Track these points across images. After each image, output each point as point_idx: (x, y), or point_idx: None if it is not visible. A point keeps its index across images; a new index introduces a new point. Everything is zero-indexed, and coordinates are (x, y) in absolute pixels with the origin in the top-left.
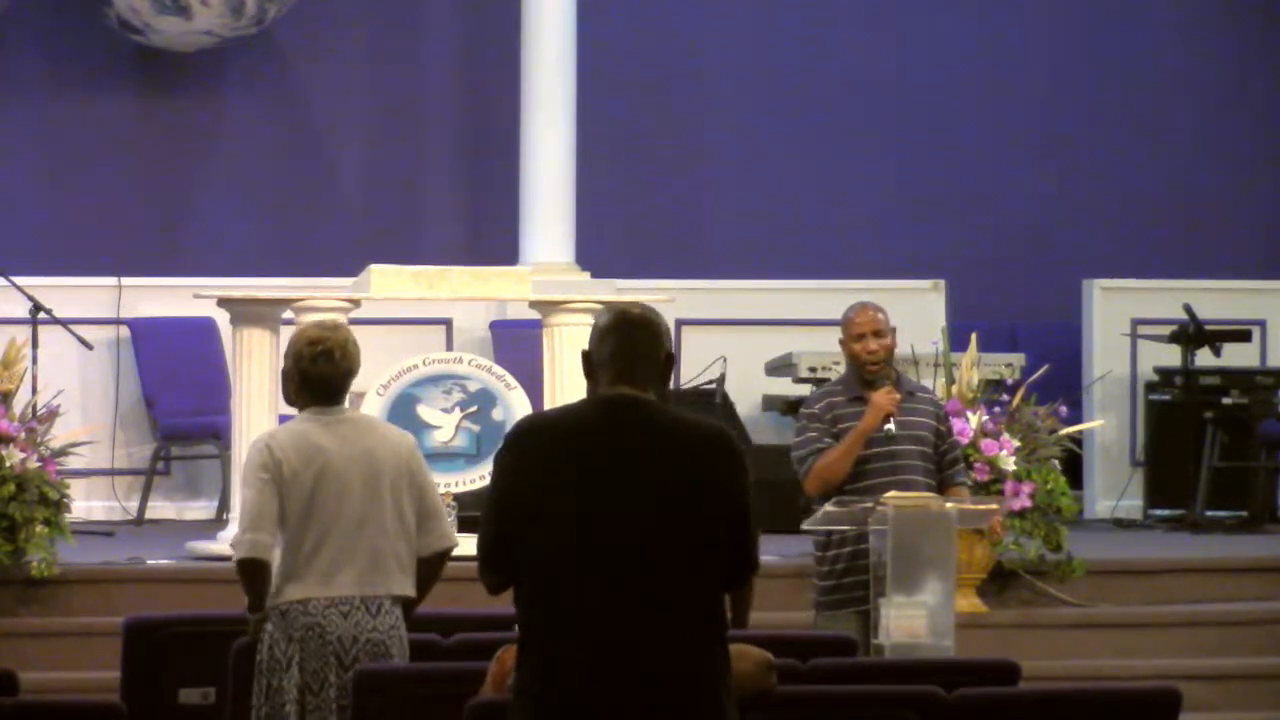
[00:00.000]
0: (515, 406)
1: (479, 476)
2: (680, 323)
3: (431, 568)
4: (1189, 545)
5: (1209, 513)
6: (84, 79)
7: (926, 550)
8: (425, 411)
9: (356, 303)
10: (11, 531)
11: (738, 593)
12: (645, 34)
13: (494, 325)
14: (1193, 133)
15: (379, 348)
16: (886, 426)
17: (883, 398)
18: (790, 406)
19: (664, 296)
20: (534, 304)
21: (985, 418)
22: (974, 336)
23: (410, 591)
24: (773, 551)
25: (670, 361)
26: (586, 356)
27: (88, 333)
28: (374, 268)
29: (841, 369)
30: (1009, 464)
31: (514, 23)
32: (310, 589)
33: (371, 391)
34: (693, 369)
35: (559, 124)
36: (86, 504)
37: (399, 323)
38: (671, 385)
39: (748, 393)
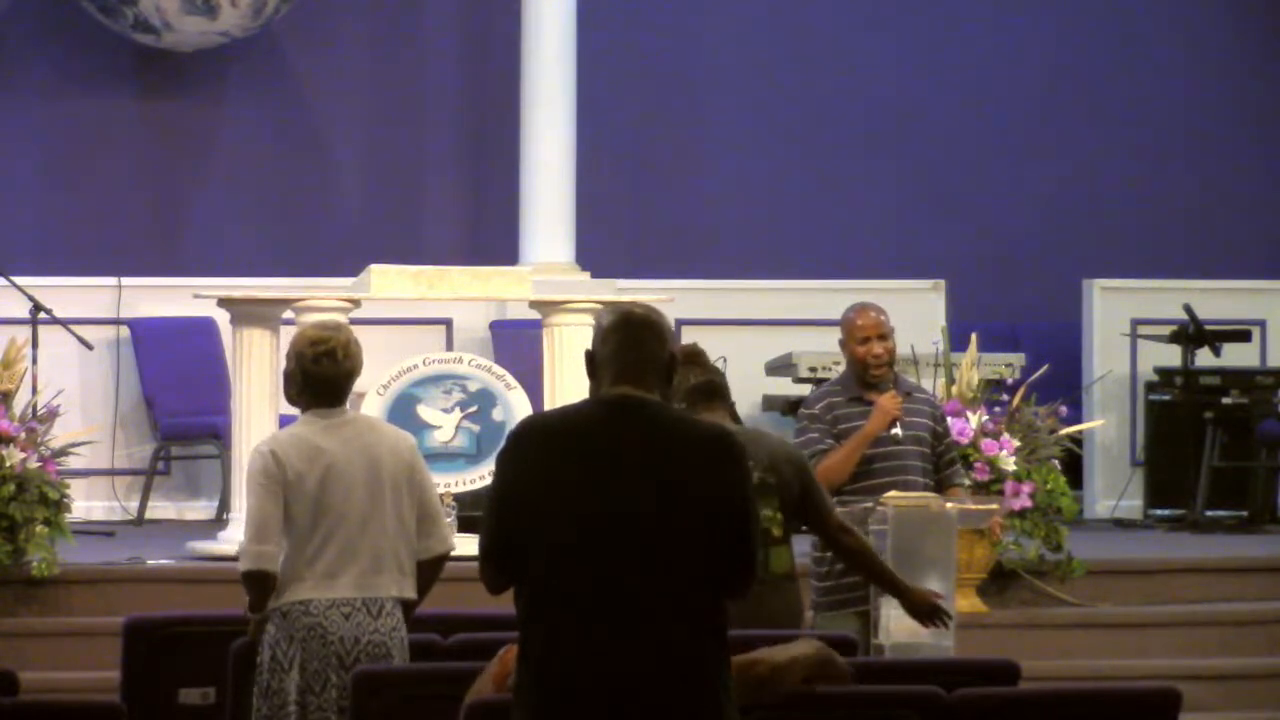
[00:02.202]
0: (515, 406)
1: (479, 476)
2: (680, 323)
3: (430, 571)
4: (1189, 545)
5: (1209, 513)
6: (84, 79)
7: (926, 550)
8: (425, 411)
9: (356, 303)
10: (11, 531)
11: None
12: (645, 34)
13: (494, 325)
14: (1192, 133)
15: (379, 348)
16: (893, 431)
17: (889, 402)
18: (790, 406)
19: (664, 296)
20: (534, 304)
21: (985, 418)
22: (974, 336)
23: (411, 593)
24: None
25: (674, 362)
26: (590, 356)
27: (88, 333)
28: (374, 268)
29: (842, 368)
30: (1009, 464)
31: (514, 23)
32: (311, 590)
33: (371, 391)
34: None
35: (559, 124)
36: (86, 504)
37: (399, 323)
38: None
39: (748, 393)
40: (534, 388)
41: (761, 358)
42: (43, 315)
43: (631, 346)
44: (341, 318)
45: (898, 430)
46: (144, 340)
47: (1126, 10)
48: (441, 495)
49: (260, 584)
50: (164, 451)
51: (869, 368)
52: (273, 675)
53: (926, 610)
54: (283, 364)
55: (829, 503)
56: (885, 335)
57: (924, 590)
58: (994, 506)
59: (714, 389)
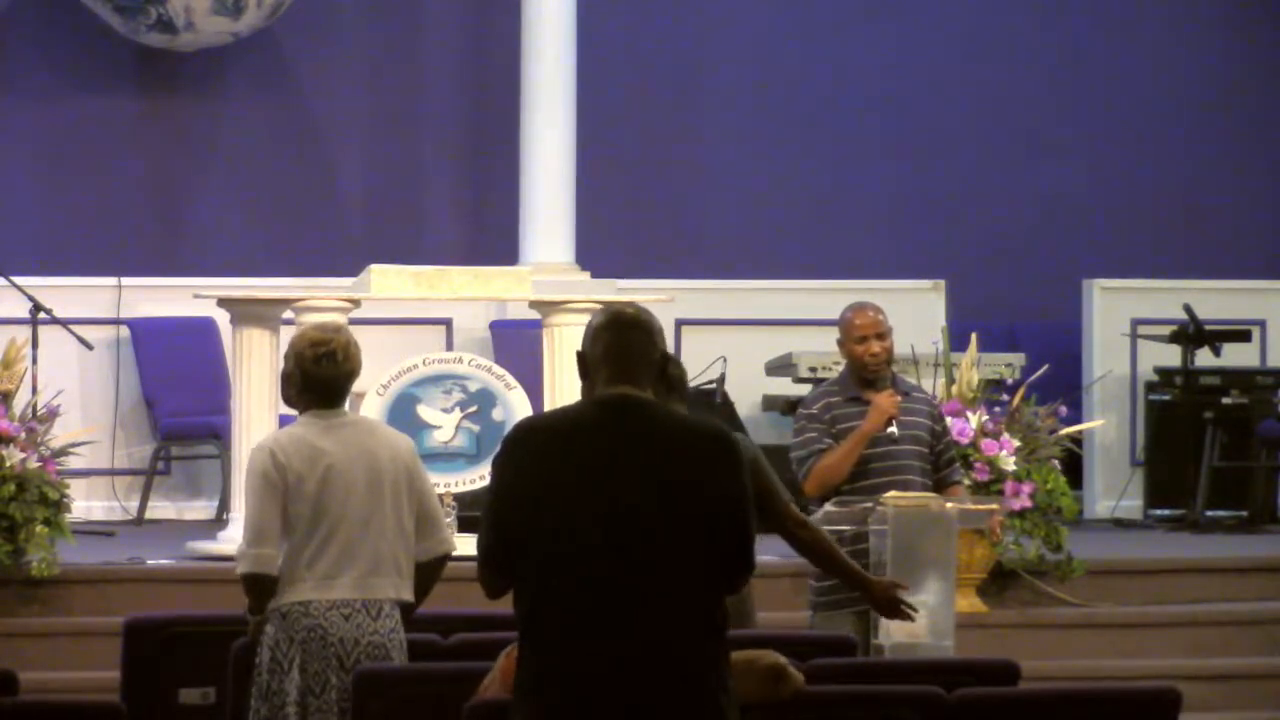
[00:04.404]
0: (515, 406)
1: (479, 476)
2: (680, 323)
3: (430, 573)
4: (1189, 545)
5: (1209, 513)
6: (84, 79)
7: (926, 550)
8: (425, 411)
9: (356, 303)
10: (11, 531)
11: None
12: (645, 34)
13: (494, 325)
14: (1192, 133)
15: (379, 348)
16: (890, 429)
17: (886, 400)
18: (790, 406)
19: (664, 296)
20: (534, 304)
21: (985, 418)
22: (974, 336)
23: (408, 596)
24: (772, 552)
25: (666, 361)
26: (581, 357)
27: (88, 333)
28: (374, 268)
29: (842, 368)
30: (1009, 464)
31: (514, 23)
32: (311, 591)
33: (371, 391)
34: (693, 369)
35: (559, 124)
36: (86, 504)
37: (399, 323)
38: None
39: (748, 393)
40: (534, 388)
41: (761, 358)
42: (43, 315)
43: (624, 346)
44: (341, 318)
45: (894, 429)
46: (144, 340)
47: (1126, 10)
48: (441, 495)
49: (259, 587)
50: (164, 451)
51: (867, 366)
52: (272, 676)
53: (888, 603)
54: (283, 364)
55: (784, 497)
56: (883, 334)
57: (886, 582)
58: (994, 506)
59: (672, 382)
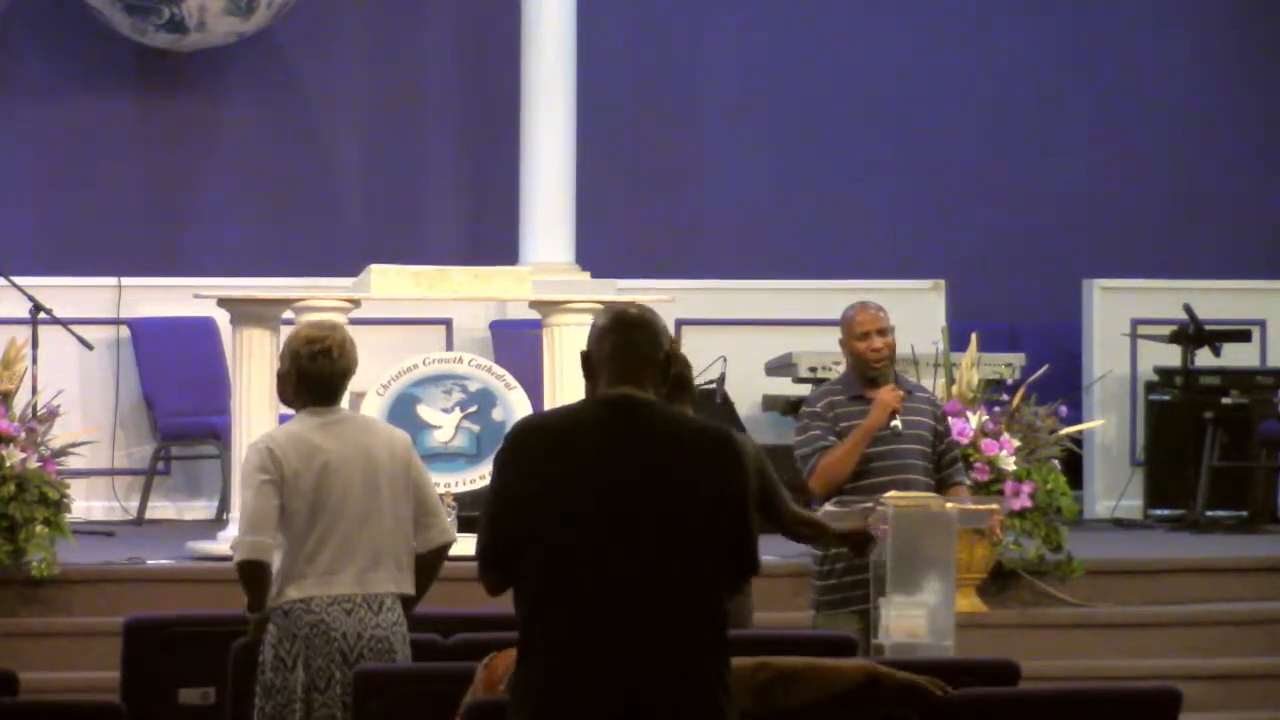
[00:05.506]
0: (515, 406)
1: (479, 476)
2: (680, 323)
3: (431, 563)
4: (1189, 545)
5: (1209, 513)
6: (84, 79)
7: (926, 550)
8: (425, 411)
9: (356, 303)
10: (11, 531)
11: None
12: (645, 34)
13: (494, 325)
14: (1192, 133)
15: (379, 348)
16: (893, 424)
17: (888, 395)
18: (790, 406)
19: (664, 296)
20: (534, 304)
21: (985, 418)
22: (974, 336)
23: (409, 589)
24: (773, 551)
25: (670, 362)
26: (586, 357)
27: (88, 333)
28: (374, 268)
29: (842, 369)
30: (1009, 464)
31: (514, 23)
32: (311, 588)
33: (371, 391)
34: (693, 369)
35: (559, 124)
36: (86, 504)
37: (399, 323)
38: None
39: (748, 393)
40: (534, 388)
41: (761, 358)
42: (43, 315)
43: (628, 347)
44: (341, 318)
45: (898, 423)
46: (144, 340)
47: (1126, 11)
48: (441, 495)
49: (255, 574)
50: (164, 451)
51: (870, 362)
52: (276, 673)
53: (860, 540)
54: (278, 363)
55: (785, 496)
56: (885, 330)
57: (860, 527)
58: (994, 506)
59: (680, 381)
